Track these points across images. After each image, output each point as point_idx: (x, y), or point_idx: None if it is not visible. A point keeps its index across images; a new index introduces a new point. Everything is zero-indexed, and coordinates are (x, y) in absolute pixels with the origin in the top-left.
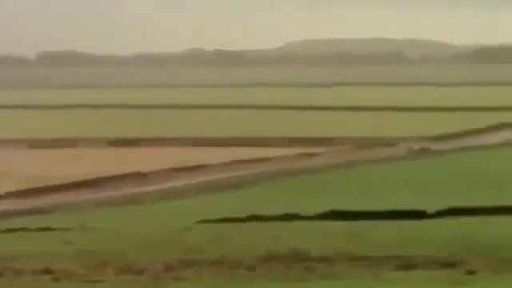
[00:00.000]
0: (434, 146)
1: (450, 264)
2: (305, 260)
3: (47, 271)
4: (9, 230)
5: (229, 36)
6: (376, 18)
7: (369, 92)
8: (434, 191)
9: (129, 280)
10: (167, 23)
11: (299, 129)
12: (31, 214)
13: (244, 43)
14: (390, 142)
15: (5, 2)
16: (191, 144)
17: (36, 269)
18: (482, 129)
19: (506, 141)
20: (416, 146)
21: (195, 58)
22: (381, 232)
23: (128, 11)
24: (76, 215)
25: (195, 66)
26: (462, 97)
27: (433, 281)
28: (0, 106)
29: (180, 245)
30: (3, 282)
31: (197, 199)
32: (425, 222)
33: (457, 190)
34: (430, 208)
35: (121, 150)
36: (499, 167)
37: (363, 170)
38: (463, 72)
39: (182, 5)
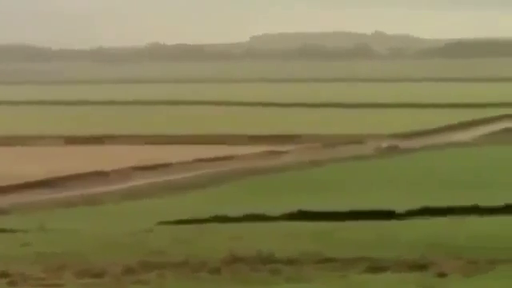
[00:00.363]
0: (404, 144)
1: (420, 266)
2: (270, 262)
3: (3, 275)
4: None
5: (191, 30)
6: (342, 12)
7: (336, 88)
8: (404, 191)
9: (88, 283)
10: (128, 17)
11: (264, 126)
12: None
13: (207, 37)
14: (358, 140)
15: None
16: (153, 142)
17: None
18: (453, 126)
19: (479, 138)
20: (385, 144)
21: (156, 53)
22: (349, 233)
23: (88, 5)
24: (34, 216)
25: (156, 61)
26: (433, 93)
27: (403, 283)
28: None
29: (141, 247)
30: None
31: (158, 199)
32: (395, 222)
33: (428, 190)
34: (400, 208)
35: (79, 148)
36: (471, 165)
37: (331, 168)
38: (433, 67)
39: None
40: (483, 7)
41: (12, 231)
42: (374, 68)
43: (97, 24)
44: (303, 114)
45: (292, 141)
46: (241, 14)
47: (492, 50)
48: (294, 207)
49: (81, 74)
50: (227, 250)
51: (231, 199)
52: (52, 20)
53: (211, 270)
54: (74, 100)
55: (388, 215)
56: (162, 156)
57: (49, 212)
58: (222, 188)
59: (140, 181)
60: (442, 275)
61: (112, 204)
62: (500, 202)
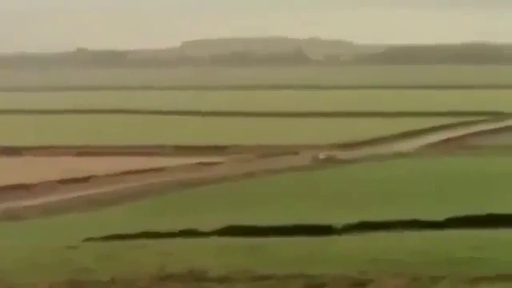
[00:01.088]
0: (342, 155)
1: (360, 283)
2: (202, 280)
3: None
4: None
5: (120, 36)
6: (276, 16)
7: (270, 95)
8: (342, 204)
9: None
10: (51, 22)
11: (195, 136)
12: None
13: (136, 43)
14: (293, 151)
15: None
16: (77, 153)
17: None
18: (392, 136)
19: (419, 149)
20: (322, 155)
21: (79, 59)
22: (284, 249)
23: (8, 8)
24: None
25: (81, 68)
26: (372, 101)
27: None
28: None
29: (66, 264)
30: None
31: (84, 214)
32: (332, 237)
33: (367, 203)
34: (338, 222)
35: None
36: (411, 178)
37: (264, 180)
38: (372, 74)
39: (65, 2)
40: (427, 11)
41: None
42: (309, 75)
43: (19, 28)
44: (235, 123)
45: (223, 152)
46: (172, 19)
47: (433, 56)
48: (226, 222)
49: (1, 81)
50: (157, 266)
51: (161, 213)
52: None
53: None
54: None
55: (325, 230)
56: (87, 168)
57: None
58: (151, 202)
59: (64, 194)
60: None
61: (34, 219)
62: (441, 215)
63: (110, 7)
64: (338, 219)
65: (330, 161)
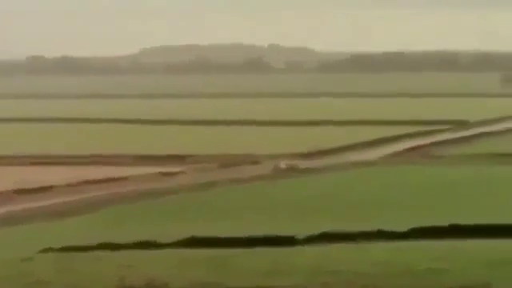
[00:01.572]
0: (304, 164)
1: None
2: None
3: None
4: None
5: (76, 42)
6: (236, 23)
7: (230, 104)
8: (305, 215)
9: None
10: (7, 29)
11: (155, 145)
12: None
13: (93, 49)
14: (254, 160)
15: None
16: (34, 162)
17: None
18: (356, 144)
19: (384, 157)
20: (283, 164)
21: (36, 67)
22: (246, 260)
23: None
24: None
25: (37, 75)
26: (334, 109)
27: None
28: None
29: (22, 277)
30: None
31: (41, 225)
32: (295, 249)
33: (329, 213)
34: (300, 233)
35: None
36: (375, 187)
37: (226, 190)
38: (335, 82)
39: (21, 8)
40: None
41: None
42: (270, 82)
43: None
44: (195, 132)
45: (184, 161)
46: (130, 26)
47: (396, 64)
48: (187, 233)
49: None
50: (116, 279)
51: (120, 224)
52: None
53: None
54: None
55: (287, 241)
56: (45, 178)
57: None
58: (110, 212)
59: (21, 205)
60: None
61: None
62: (404, 226)
63: (66, 11)
64: (300, 230)
65: (292, 170)
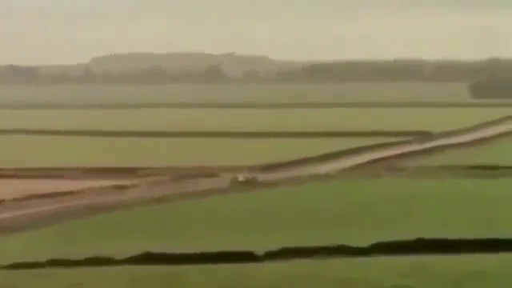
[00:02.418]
0: (263, 177)
1: None
2: None
3: None
4: None
5: (24, 50)
6: (192, 31)
7: (185, 114)
8: (264, 229)
9: None
10: None
11: (107, 157)
12: None
13: (42, 58)
14: (211, 173)
15: None
16: None
17: None
18: (316, 157)
19: (346, 170)
20: (241, 177)
21: None
22: (202, 277)
23: None
24: None
25: None
26: (294, 120)
27: None
28: None
29: None
30: None
31: None
32: (255, 265)
33: (290, 228)
34: (259, 249)
35: None
36: (337, 201)
37: (181, 205)
38: (293, 91)
39: None
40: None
41: None
42: (226, 92)
43: None
44: (149, 144)
45: (137, 174)
46: (82, 34)
47: (357, 73)
48: (140, 249)
49: None
50: None
51: (71, 240)
52: None
53: None
54: None
55: (246, 257)
56: None
57: None
58: (60, 227)
59: None
60: None
61: None
62: (367, 241)
63: (13, 18)
64: (259, 245)
65: (250, 183)
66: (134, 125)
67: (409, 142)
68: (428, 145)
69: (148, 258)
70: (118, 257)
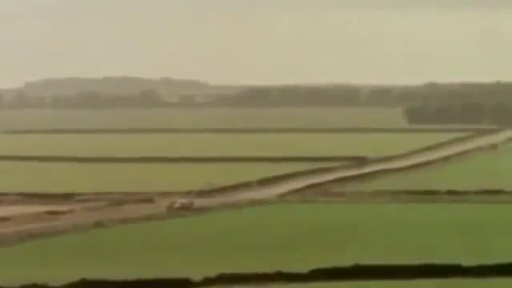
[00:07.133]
0: (199, 202)
1: None
2: None
3: None
4: None
5: None
6: (125, 55)
7: (121, 139)
8: (201, 255)
9: None
10: None
11: (41, 183)
12: None
13: None
14: (147, 198)
15: None
16: None
17: None
18: (252, 182)
19: (282, 195)
20: (177, 203)
21: None
22: None
23: None
24: None
25: None
26: (231, 145)
27: None
28: None
29: None
30: None
31: None
32: None
33: (226, 254)
34: (196, 275)
35: None
36: (274, 226)
37: (117, 231)
38: (229, 116)
39: None
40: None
41: None
42: (162, 117)
43: None
44: (85, 170)
45: (72, 199)
46: (14, 58)
47: (294, 98)
48: (76, 276)
49: None
50: None
51: (4, 267)
52: None
53: None
54: None
55: (182, 283)
56: None
57: None
58: None
59: None
60: None
61: None
62: (306, 267)
63: None
64: (196, 272)
65: (187, 209)
66: (70, 150)
67: (345, 167)
68: (364, 170)
69: (85, 285)
70: (55, 284)
